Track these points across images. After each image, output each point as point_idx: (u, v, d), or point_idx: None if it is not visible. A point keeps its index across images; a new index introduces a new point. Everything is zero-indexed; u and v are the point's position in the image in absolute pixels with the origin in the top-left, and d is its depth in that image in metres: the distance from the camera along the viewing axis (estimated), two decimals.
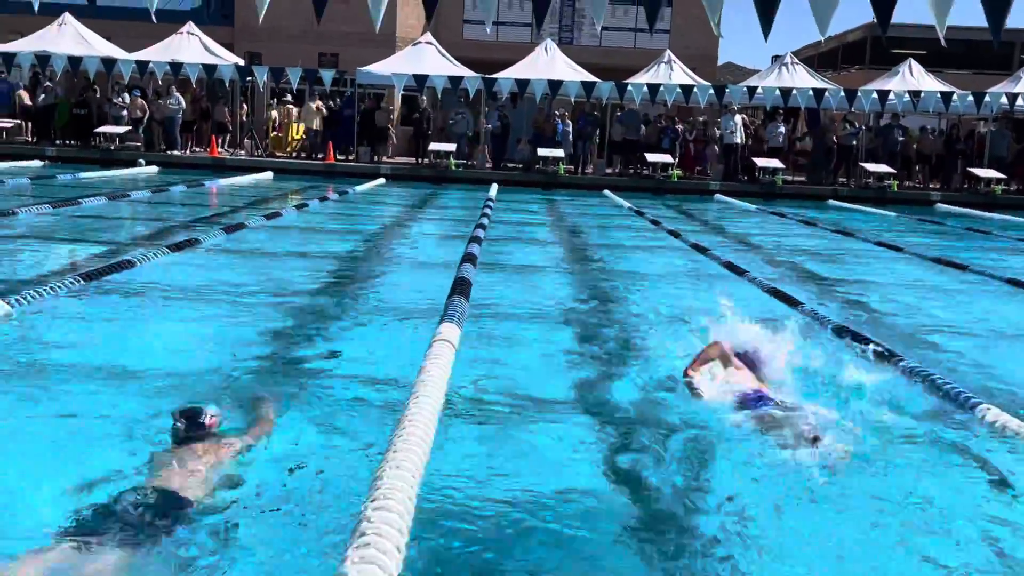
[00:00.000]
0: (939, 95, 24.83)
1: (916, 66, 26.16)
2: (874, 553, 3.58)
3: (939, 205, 22.84)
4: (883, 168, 24.84)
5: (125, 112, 24.48)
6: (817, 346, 5.70)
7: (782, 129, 25.71)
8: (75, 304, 6.81)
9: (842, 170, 26.04)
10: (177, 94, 24.74)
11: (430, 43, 25.81)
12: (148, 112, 24.90)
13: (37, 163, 21.89)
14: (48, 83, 25.13)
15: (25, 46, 24.62)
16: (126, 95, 24.75)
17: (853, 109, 25.49)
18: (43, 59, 24.13)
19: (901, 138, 25.68)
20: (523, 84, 24.64)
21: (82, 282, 7.23)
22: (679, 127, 26.11)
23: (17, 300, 6.29)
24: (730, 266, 10.17)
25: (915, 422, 4.93)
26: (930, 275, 10.98)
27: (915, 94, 24.95)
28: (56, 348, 5.77)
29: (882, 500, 3.97)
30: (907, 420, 4.93)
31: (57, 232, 11.31)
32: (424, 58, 25.21)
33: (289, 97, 26.81)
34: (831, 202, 22.70)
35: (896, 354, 5.93)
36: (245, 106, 27.64)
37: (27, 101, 25.21)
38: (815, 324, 7.05)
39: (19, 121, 25.36)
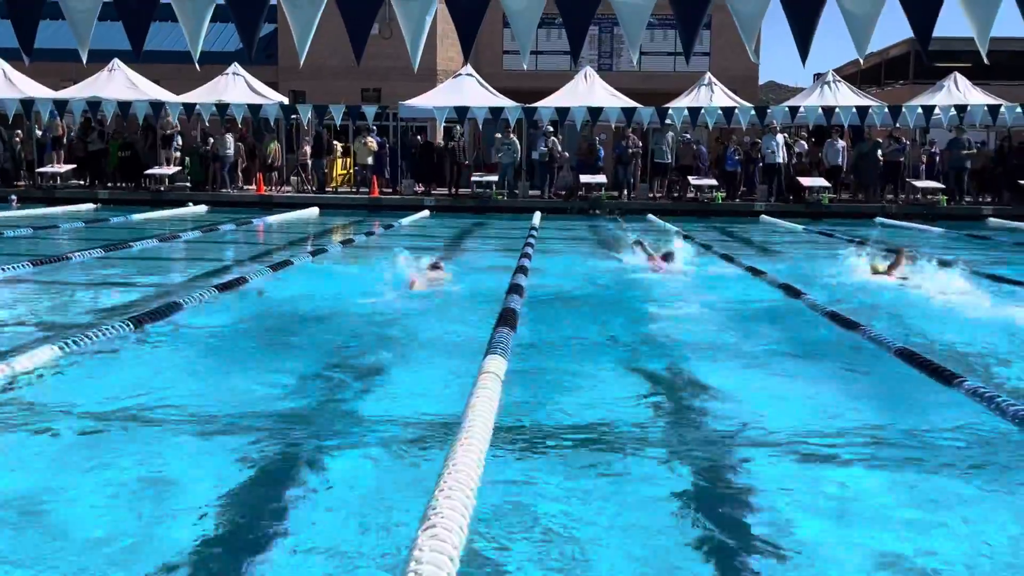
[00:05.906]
0: (986, 108, 24.46)
1: (962, 79, 25.75)
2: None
3: (991, 220, 22.41)
4: (931, 184, 24.44)
5: (177, 152, 25.22)
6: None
7: (840, 146, 25.33)
8: (128, 346, 6.94)
9: (889, 187, 25.70)
10: (228, 137, 25.20)
11: (470, 75, 26.07)
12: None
13: (90, 206, 22.40)
14: (97, 127, 25.89)
15: (77, 93, 25.30)
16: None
17: (898, 125, 25.16)
18: (94, 105, 24.77)
19: (967, 151, 24.93)
20: (563, 112, 24.74)
21: (132, 327, 7.35)
22: (732, 148, 25.81)
23: (67, 344, 6.43)
24: (787, 287, 10.08)
25: None
26: (981, 292, 10.73)
27: (961, 108, 24.58)
28: (111, 390, 5.87)
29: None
30: None
31: (109, 272, 11.54)
32: (465, 90, 25.46)
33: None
34: (879, 219, 22.39)
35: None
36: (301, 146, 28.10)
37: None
38: (877, 347, 6.99)
39: (73, 166, 26.02)
